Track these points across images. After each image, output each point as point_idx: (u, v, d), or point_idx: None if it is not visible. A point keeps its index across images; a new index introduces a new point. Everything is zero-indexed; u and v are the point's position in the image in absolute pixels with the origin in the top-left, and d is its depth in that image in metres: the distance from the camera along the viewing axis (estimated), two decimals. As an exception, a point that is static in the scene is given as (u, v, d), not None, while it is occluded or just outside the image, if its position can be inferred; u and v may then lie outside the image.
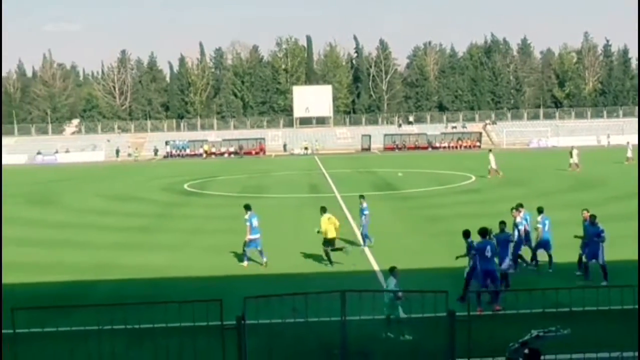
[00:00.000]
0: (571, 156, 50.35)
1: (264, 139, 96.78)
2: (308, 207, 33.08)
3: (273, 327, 13.72)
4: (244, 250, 21.09)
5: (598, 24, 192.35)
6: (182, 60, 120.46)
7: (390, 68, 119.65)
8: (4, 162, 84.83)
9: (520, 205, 20.37)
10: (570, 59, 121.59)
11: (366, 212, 23.35)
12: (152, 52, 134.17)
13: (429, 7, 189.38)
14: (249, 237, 20.74)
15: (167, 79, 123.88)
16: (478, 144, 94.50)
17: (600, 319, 12.22)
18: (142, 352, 12.08)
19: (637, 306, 12.39)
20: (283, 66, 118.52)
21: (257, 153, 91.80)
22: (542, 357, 10.22)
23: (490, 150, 52.14)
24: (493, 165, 47.26)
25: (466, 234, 16.63)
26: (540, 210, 20.19)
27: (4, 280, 18.87)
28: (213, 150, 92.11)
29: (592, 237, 17.90)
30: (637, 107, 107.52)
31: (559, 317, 11.90)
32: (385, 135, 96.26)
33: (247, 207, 21.17)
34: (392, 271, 14.62)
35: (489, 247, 15.88)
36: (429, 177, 49.70)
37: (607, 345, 11.78)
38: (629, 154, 56.14)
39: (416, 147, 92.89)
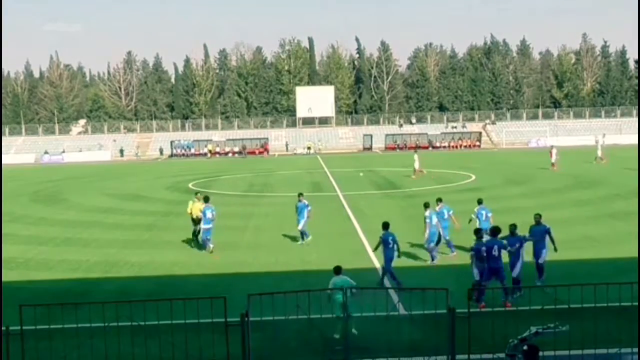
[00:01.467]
0: (551, 156, 50.97)
1: (267, 138, 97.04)
2: (312, 206, 33.24)
3: (276, 324, 13.90)
4: (202, 241, 22.97)
5: (596, 26, 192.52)
6: (187, 62, 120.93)
7: (392, 69, 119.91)
8: (12, 161, 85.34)
9: (440, 200, 22.27)
10: (568, 59, 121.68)
11: (309, 208, 23.66)
12: (157, 53, 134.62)
13: (430, 8, 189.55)
14: (203, 226, 22.67)
15: (172, 79, 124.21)
16: (478, 143, 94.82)
17: (599, 316, 12.35)
18: (148, 348, 12.25)
19: (635, 303, 12.57)
20: (286, 67, 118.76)
21: (260, 153, 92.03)
22: (541, 354, 10.40)
23: (415, 151, 54.32)
24: (417, 166, 48.65)
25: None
26: (479, 202, 21.87)
27: (11, 278, 19.10)
28: (217, 150, 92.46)
29: (538, 237, 17.57)
30: (634, 107, 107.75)
31: (558, 314, 12.05)
32: (387, 135, 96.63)
33: (206, 199, 23.43)
34: (337, 272, 14.55)
35: (496, 246, 16.01)
36: (429, 176, 49.82)
37: (605, 341, 11.91)
38: (599, 152, 54.95)
39: (417, 147, 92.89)
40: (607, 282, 12.08)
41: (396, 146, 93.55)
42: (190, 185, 47.98)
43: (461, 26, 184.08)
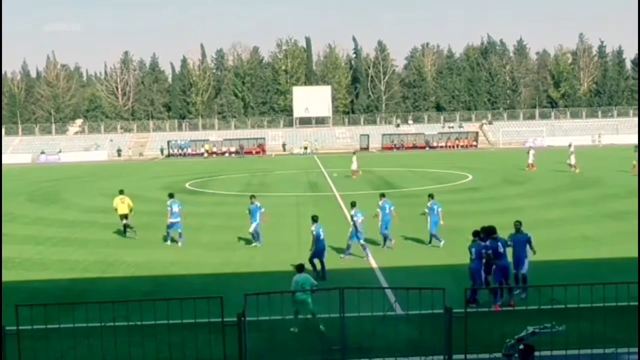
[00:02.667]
0: (529, 156, 50.81)
1: (264, 138, 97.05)
2: (308, 205, 33.29)
3: (273, 324, 13.91)
4: (167, 232, 24.34)
5: (593, 26, 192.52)
6: (183, 62, 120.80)
7: (389, 69, 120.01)
8: (8, 161, 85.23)
9: (383, 195, 23.87)
10: (565, 59, 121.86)
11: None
12: (154, 53, 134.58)
13: (427, 9, 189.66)
14: (170, 220, 24.00)
15: (169, 79, 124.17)
16: (475, 143, 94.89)
17: (595, 316, 12.37)
18: (145, 348, 12.24)
19: (631, 303, 12.58)
20: (283, 67, 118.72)
21: (257, 152, 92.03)
22: (537, 353, 10.43)
23: (354, 153, 54.66)
24: (354, 167, 49.30)
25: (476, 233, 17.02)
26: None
27: (8, 278, 19.06)
28: (214, 149, 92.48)
29: (519, 246, 16.68)
30: (631, 107, 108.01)
31: (555, 314, 12.08)
32: (384, 135, 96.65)
33: (171, 195, 25.01)
34: (299, 270, 14.83)
35: (500, 244, 16.07)
36: (426, 176, 49.91)
37: (602, 341, 11.93)
38: (530, 159, 50.38)
39: (414, 147, 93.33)
40: (604, 282, 12.11)
41: (393, 146, 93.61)
42: (187, 185, 47.97)
43: (458, 26, 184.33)
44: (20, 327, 11.17)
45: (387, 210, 22.71)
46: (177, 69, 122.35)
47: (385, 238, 22.67)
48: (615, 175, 45.04)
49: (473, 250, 16.08)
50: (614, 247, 21.94)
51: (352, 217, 21.29)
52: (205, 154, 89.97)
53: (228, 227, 27.95)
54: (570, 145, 50.96)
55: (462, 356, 11.28)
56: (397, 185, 43.29)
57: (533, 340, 10.33)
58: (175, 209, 24.07)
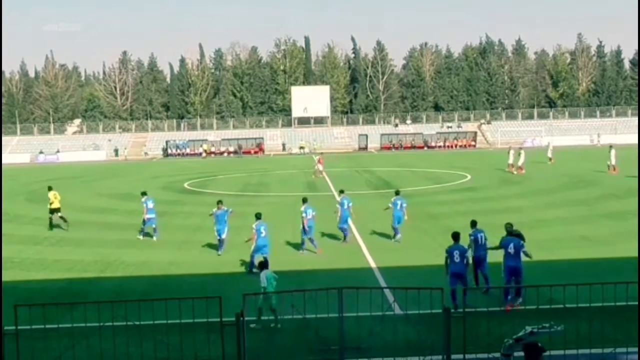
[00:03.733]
0: (509, 157, 49.63)
1: (262, 138, 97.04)
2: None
3: (272, 324, 13.90)
4: (142, 227, 25.66)
5: (591, 26, 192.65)
6: (182, 61, 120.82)
7: (387, 69, 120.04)
8: (7, 161, 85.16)
9: (342, 191, 25.53)
10: (564, 59, 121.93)
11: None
12: (152, 53, 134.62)
13: (425, 8, 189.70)
14: (146, 216, 25.41)
15: (168, 79, 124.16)
16: (473, 143, 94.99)
17: (594, 316, 12.38)
18: (143, 348, 12.23)
19: (630, 302, 12.58)
20: (282, 67, 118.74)
21: (256, 152, 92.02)
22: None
23: (321, 154, 56.44)
24: (319, 167, 51.86)
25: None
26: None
27: (7, 278, 19.04)
28: (213, 149, 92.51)
29: (510, 249, 15.88)
30: (629, 107, 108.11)
31: (553, 314, 12.09)
32: (382, 134, 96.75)
33: (144, 193, 26.34)
34: (264, 266, 15.10)
35: (512, 245, 15.96)
36: (425, 175, 49.92)
37: (600, 341, 11.93)
38: (511, 160, 49.61)
39: (412, 147, 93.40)
40: (603, 282, 12.10)
41: (391, 146, 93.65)
42: (185, 185, 47.97)
43: (456, 26, 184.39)
44: (19, 327, 11.16)
45: (346, 206, 23.79)
46: (176, 69, 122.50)
47: (395, 231, 23.83)
48: (614, 175, 45.05)
49: (451, 252, 15.91)
50: (613, 246, 21.96)
51: (301, 213, 22.16)
52: (204, 154, 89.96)
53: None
54: (548, 144, 51.24)
55: (461, 356, 11.29)
56: (396, 185, 43.17)
57: (532, 340, 10.32)
58: (150, 205, 25.54)
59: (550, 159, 55.86)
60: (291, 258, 21.77)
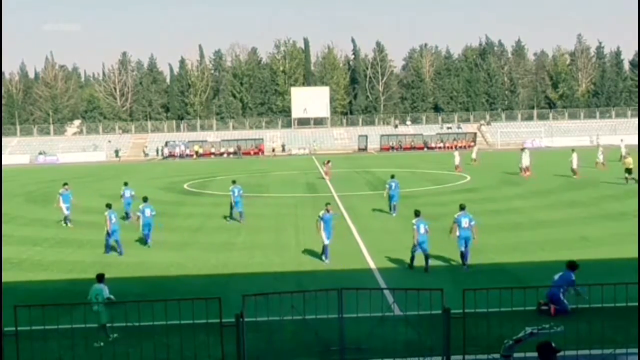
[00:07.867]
0: (521, 159, 46.88)
1: (262, 139, 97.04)
2: (306, 206, 33.28)
3: (271, 325, 13.89)
4: (106, 241, 23.65)
5: (591, 26, 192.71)
6: (182, 62, 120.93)
7: (387, 70, 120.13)
8: (6, 162, 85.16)
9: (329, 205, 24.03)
10: (563, 60, 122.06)
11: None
12: (152, 54, 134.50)
13: (425, 9, 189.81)
14: (109, 229, 23.58)
15: (167, 80, 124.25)
16: (473, 144, 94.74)
17: (593, 317, 12.39)
18: (143, 349, 12.24)
19: (629, 304, 12.60)
20: (281, 68, 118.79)
21: (255, 153, 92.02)
22: (534, 354, 10.40)
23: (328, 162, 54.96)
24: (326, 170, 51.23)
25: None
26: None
27: (7, 278, 19.03)
28: (201, 151, 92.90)
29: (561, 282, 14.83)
30: (629, 108, 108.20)
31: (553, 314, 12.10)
32: (382, 135, 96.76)
33: (108, 206, 24.11)
34: (99, 279, 14.47)
35: (466, 219, 17.00)
36: (424, 176, 49.91)
37: (600, 342, 11.93)
38: (525, 163, 46.82)
39: (412, 148, 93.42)
40: (602, 283, 12.11)
41: (391, 147, 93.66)
42: (185, 186, 47.94)
43: (456, 27, 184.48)
44: (19, 328, 11.16)
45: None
46: (176, 69, 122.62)
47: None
48: (613, 175, 45.02)
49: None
50: (612, 247, 21.95)
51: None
52: (194, 156, 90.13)
53: (226, 228, 27.97)
54: (523, 150, 48.72)
55: (460, 357, 11.29)
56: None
57: (531, 341, 10.32)
58: (148, 212, 24.90)
59: (524, 169, 46.82)
60: (290, 259, 21.77)
